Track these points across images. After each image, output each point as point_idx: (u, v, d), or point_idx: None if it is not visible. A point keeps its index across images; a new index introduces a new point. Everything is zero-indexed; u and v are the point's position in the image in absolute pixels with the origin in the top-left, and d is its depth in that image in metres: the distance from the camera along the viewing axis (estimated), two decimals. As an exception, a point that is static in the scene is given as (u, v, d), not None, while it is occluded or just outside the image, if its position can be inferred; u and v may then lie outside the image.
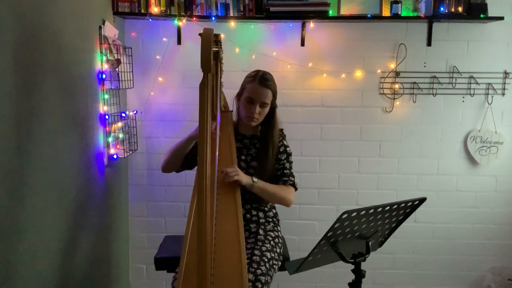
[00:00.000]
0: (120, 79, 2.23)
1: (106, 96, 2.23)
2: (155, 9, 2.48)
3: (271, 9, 2.46)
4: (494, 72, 2.69)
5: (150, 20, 2.57)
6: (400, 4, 2.50)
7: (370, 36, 2.68)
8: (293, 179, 2.00)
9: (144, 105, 2.71)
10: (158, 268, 2.04)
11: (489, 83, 2.70)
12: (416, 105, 2.73)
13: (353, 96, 2.73)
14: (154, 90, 2.69)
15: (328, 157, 2.78)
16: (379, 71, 2.70)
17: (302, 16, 2.53)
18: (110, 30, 2.28)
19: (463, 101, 2.72)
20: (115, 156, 2.29)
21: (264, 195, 1.93)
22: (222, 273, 1.48)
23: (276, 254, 1.86)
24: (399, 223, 1.49)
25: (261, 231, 1.95)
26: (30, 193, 1.51)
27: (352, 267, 1.41)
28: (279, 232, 2.02)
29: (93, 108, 2.09)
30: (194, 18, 2.50)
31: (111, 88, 2.24)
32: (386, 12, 2.55)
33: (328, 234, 1.29)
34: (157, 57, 2.67)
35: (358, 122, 2.75)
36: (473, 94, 2.71)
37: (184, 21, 2.54)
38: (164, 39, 2.65)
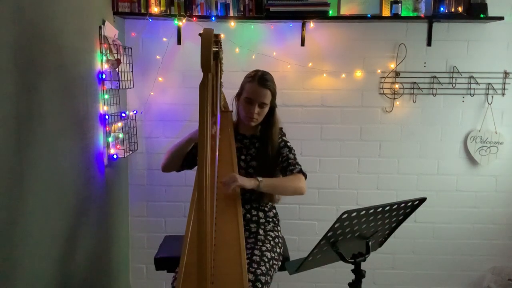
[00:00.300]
0: (120, 79, 2.23)
1: (106, 96, 2.23)
2: (155, 9, 2.48)
3: (271, 9, 2.46)
4: (494, 72, 2.69)
5: (150, 20, 2.57)
6: (400, 4, 2.50)
7: (370, 36, 2.68)
8: (299, 166, 1.96)
9: (144, 105, 2.71)
10: (158, 268, 2.04)
11: (489, 83, 2.70)
12: (416, 105, 2.73)
13: (353, 96, 2.73)
14: (154, 90, 2.69)
15: (328, 157, 2.78)
16: (379, 71, 2.71)
17: (302, 16, 2.52)
18: (110, 30, 2.28)
19: (463, 101, 2.72)
20: (115, 156, 2.29)
21: (275, 191, 1.89)
22: (222, 273, 1.48)
23: (276, 254, 1.86)
24: (399, 223, 1.49)
25: (261, 231, 1.95)
26: (30, 193, 1.51)
27: (352, 267, 1.41)
28: (279, 232, 2.02)
29: (93, 108, 2.09)
30: (194, 18, 2.50)
31: (111, 88, 2.24)
32: (386, 12, 2.55)
33: (328, 234, 1.29)
34: (157, 57, 2.67)
35: (358, 122, 2.75)
36: (473, 94, 2.71)
37: (184, 21, 2.54)
38: (164, 39, 2.65)
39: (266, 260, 1.76)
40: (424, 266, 2.87)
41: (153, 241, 2.71)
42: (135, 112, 2.63)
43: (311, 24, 2.62)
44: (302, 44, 2.65)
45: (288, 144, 2.04)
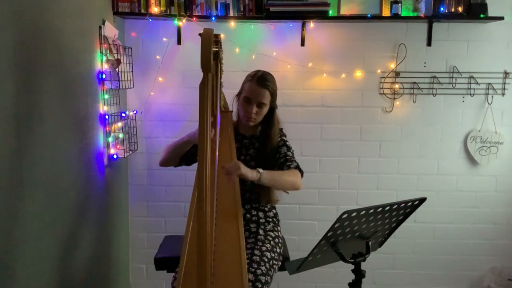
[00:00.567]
0: (120, 79, 2.23)
1: (106, 96, 2.23)
2: (155, 9, 2.48)
3: (271, 9, 2.46)
4: (494, 72, 2.69)
5: (150, 20, 2.57)
6: (400, 4, 2.50)
7: (370, 36, 2.68)
8: (296, 163, 1.95)
9: (144, 105, 2.71)
10: (158, 268, 2.04)
11: (489, 83, 2.70)
12: (416, 105, 2.73)
13: (353, 96, 2.73)
14: (154, 90, 2.69)
15: (328, 157, 2.78)
16: (379, 71, 2.70)
17: (302, 16, 2.52)
18: (110, 30, 2.28)
19: (463, 101, 2.72)
20: (115, 156, 2.29)
21: (274, 185, 1.86)
22: (222, 273, 1.48)
23: (276, 254, 1.86)
24: (399, 223, 1.49)
25: (261, 231, 1.95)
26: (30, 193, 1.51)
27: (352, 267, 1.41)
28: (279, 232, 2.02)
29: (93, 108, 2.09)
30: (194, 18, 2.50)
31: (111, 88, 2.24)
32: (386, 12, 2.55)
33: (328, 234, 1.29)
34: (157, 57, 2.67)
35: (358, 122, 2.75)
36: (473, 94, 2.71)
37: (184, 21, 2.54)
38: (164, 39, 2.65)
39: (266, 260, 1.76)
40: (424, 266, 2.87)
41: (153, 241, 2.71)
42: (135, 112, 2.63)
43: (311, 24, 2.62)
44: (302, 44, 2.65)
45: (287, 143, 2.04)
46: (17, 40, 1.41)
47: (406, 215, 1.46)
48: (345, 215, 1.24)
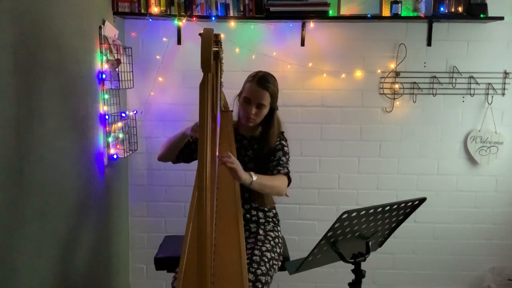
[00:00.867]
0: (120, 79, 2.23)
1: (106, 96, 2.23)
2: (155, 9, 2.48)
3: (271, 9, 2.46)
4: (494, 72, 2.69)
5: (150, 20, 2.57)
6: (400, 4, 2.50)
7: (370, 36, 2.68)
8: (287, 170, 1.93)
9: (144, 105, 2.71)
10: (158, 268, 2.04)
11: (489, 83, 2.70)
12: (416, 105, 2.73)
13: (353, 96, 2.73)
14: (154, 90, 2.69)
15: (328, 157, 2.78)
16: (379, 71, 2.71)
17: (302, 16, 2.52)
18: (110, 30, 2.28)
19: (463, 101, 2.72)
20: (115, 156, 2.29)
21: (263, 190, 1.83)
22: (222, 273, 1.48)
23: (276, 254, 1.86)
24: (399, 223, 1.49)
25: (261, 231, 1.95)
26: (30, 193, 1.51)
27: (352, 267, 1.41)
28: (279, 232, 2.02)
29: (93, 108, 2.09)
30: (194, 18, 2.50)
31: (111, 88, 2.24)
32: (386, 12, 2.55)
33: (328, 234, 1.29)
34: (157, 57, 2.67)
35: (358, 122, 2.75)
36: (473, 94, 2.71)
37: (184, 21, 2.54)
38: (164, 39, 2.65)
39: (266, 260, 1.76)
40: (424, 266, 2.87)
41: (153, 241, 2.71)
42: (135, 112, 2.63)
43: (311, 24, 2.62)
44: (302, 44, 2.65)
45: (285, 148, 2.00)
46: (17, 40, 1.41)
47: (406, 215, 1.46)
48: (345, 215, 1.24)
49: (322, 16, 2.49)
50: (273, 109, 1.99)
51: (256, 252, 1.79)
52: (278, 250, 1.89)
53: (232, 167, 1.65)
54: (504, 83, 2.70)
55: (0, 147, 1.34)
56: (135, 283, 2.86)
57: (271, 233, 1.96)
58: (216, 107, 1.79)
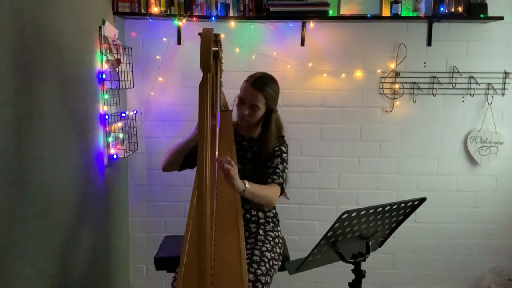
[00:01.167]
0: (120, 79, 2.23)
1: (106, 96, 2.23)
2: (155, 9, 2.48)
3: (271, 9, 2.46)
4: (494, 72, 2.69)
5: (150, 20, 2.57)
6: (400, 4, 2.50)
7: (370, 36, 2.68)
8: (281, 180, 1.90)
9: (144, 105, 2.71)
10: (158, 268, 2.04)
11: (489, 83, 2.70)
12: (416, 105, 2.73)
13: (353, 96, 2.73)
14: (154, 90, 2.69)
15: (328, 157, 2.78)
16: (379, 71, 2.71)
17: (302, 16, 2.52)
18: (110, 30, 2.28)
19: (463, 101, 2.72)
20: (115, 156, 2.29)
21: (254, 199, 1.79)
22: (222, 273, 1.48)
23: (276, 254, 1.86)
24: (399, 223, 1.49)
25: (261, 231, 1.95)
26: (30, 193, 1.51)
27: (352, 267, 1.41)
28: (279, 232, 2.02)
29: (93, 108, 2.09)
30: (194, 18, 2.50)
31: (111, 88, 2.24)
32: (386, 12, 2.55)
33: (328, 234, 1.29)
34: (157, 57, 2.67)
35: (358, 122, 2.75)
36: (473, 94, 2.71)
37: (184, 21, 2.54)
38: (164, 39, 2.65)
39: (266, 260, 1.76)
40: (424, 266, 2.87)
41: (153, 241, 2.71)
42: (135, 112, 2.63)
43: (311, 24, 2.62)
44: (302, 44, 2.65)
45: (283, 155, 1.97)
46: (17, 40, 1.41)
47: (406, 215, 1.46)
48: (345, 215, 1.24)
49: (322, 16, 2.49)
50: (270, 111, 1.96)
51: (256, 252, 1.79)
52: (278, 250, 1.89)
53: (229, 173, 1.62)
54: (504, 83, 2.70)
55: (0, 147, 1.34)
56: (135, 283, 2.86)
57: (271, 233, 1.96)
58: (216, 107, 1.79)
